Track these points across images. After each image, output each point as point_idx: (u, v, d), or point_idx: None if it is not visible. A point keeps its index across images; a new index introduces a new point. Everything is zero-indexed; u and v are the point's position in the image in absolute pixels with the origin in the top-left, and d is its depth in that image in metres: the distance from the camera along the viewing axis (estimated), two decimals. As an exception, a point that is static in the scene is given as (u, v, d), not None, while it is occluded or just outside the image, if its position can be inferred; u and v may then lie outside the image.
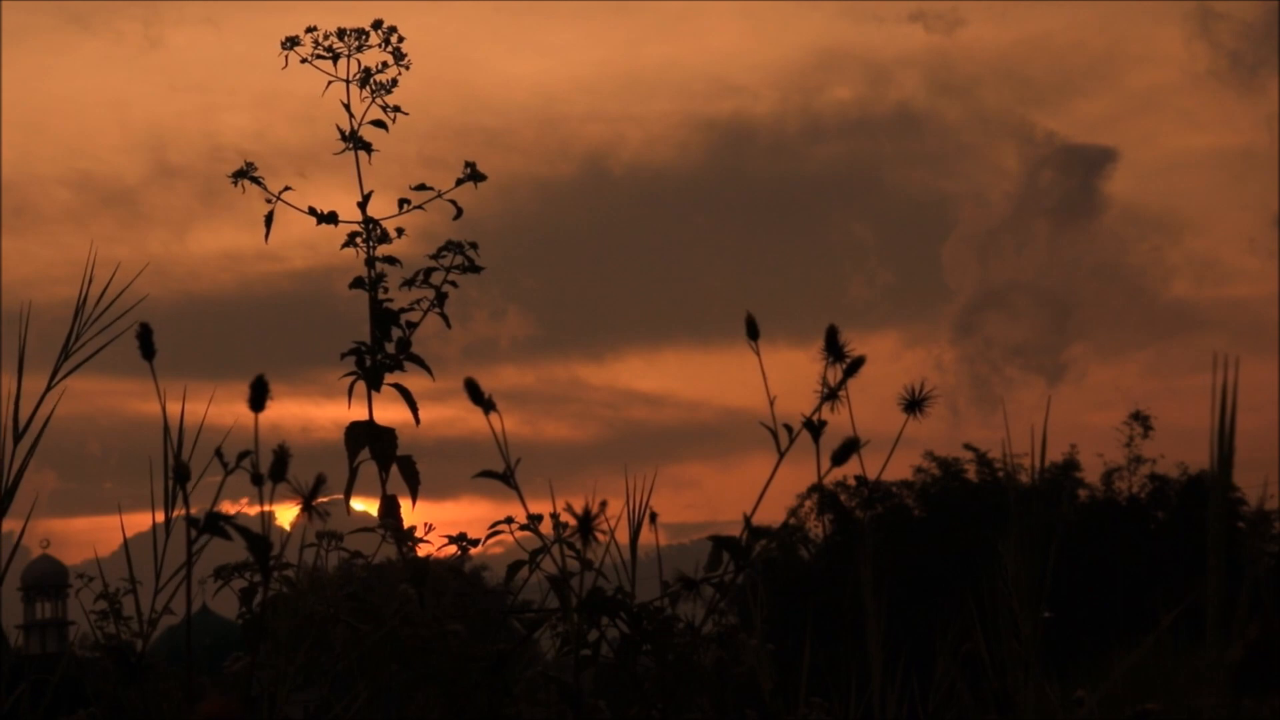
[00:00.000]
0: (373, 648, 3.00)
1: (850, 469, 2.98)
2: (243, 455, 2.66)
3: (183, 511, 2.71)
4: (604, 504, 2.94)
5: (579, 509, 2.91)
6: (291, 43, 3.68)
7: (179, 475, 2.70)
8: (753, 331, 3.08)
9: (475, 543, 3.33)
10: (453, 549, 3.33)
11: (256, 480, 2.62)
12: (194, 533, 2.68)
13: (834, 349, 2.97)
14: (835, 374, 2.99)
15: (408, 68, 3.70)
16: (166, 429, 2.80)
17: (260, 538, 2.68)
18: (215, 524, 2.71)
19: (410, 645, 3.01)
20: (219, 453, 2.68)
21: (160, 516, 2.81)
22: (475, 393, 3.04)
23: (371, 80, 3.69)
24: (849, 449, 2.95)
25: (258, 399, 2.64)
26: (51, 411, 2.92)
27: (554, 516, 3.11)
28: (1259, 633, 2.05)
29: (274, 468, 2.61)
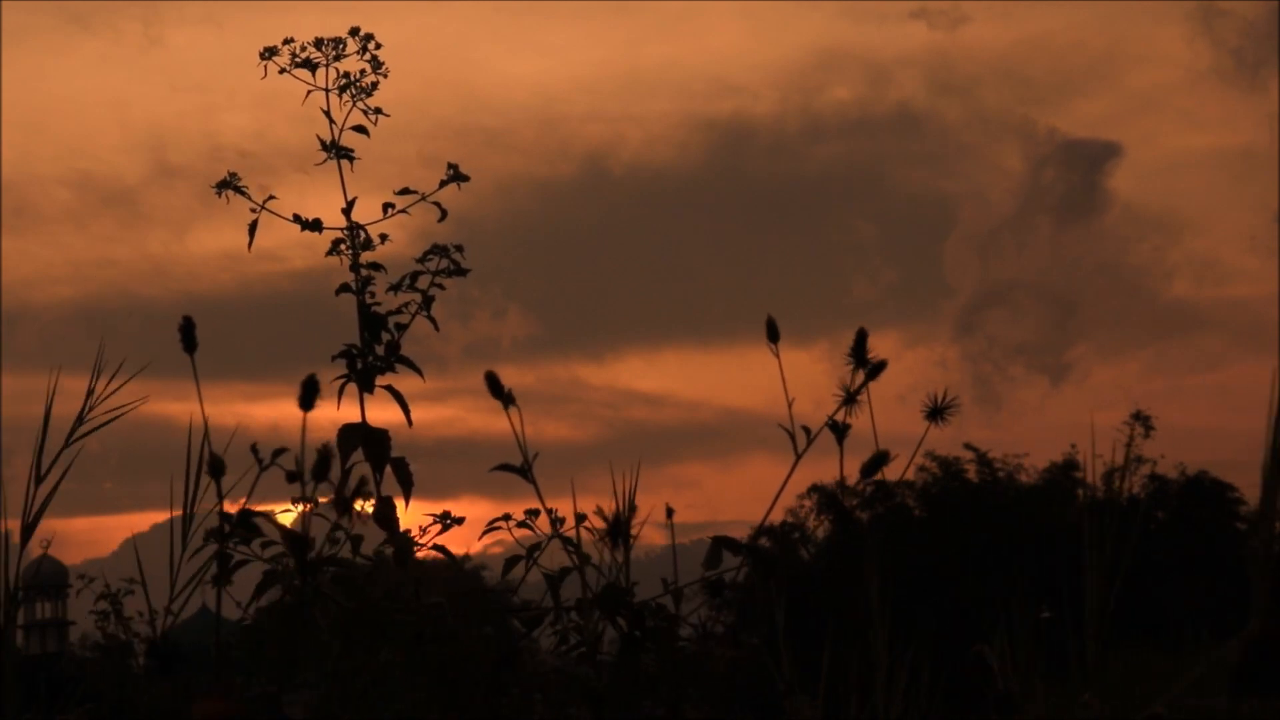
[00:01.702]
0: (359, 626, 3.00)
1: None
2: (277, 453, 2.68)
3: (173, 512, 2.71)
4: (634, 508, 2.94)
5: (609, 512, 2.92)
6: (270, 53, 3.69)
7: (214, 470, 2.71)
8: (773, 334, 3.07)
9: (459, 520, 3.34)
10: (436, 526, 3.35)
11: (293, 478, 2.64)
12: (226, 528, 2.70)
13: (861, 355, 2.97)
14: (856, 377, 2.98)
15: (385, 75, 3.71)
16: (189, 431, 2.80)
17: (298, 536, 2.69)
18: (247, 521, 2.72)
19: (400, 627, 3.02)
20: (255, 449, 2.70)
21: (143, 516, 2.83)
22: (495, 386, 3.04)
23: (351, 86, 3.69)
24: (878, 462, 2.95)
25: (308, 398, 2.65)
26: (69, 465, 3.02)
27: (551, 513, 3.11)
28: (1259, 632, 2.05)
29: (317, 466, 2.63)
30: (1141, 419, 41.99)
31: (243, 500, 2.81)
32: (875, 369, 2.98)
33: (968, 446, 41.34)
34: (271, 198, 3.69)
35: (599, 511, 2.95)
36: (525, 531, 3.22)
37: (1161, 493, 41.60)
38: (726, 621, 3.07)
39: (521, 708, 3.05)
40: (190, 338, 2.84)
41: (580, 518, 3.05)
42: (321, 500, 2.69)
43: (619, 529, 2.91)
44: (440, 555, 3.36)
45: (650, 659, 2.98)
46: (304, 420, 2.64)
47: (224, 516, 2.70)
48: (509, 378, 3.08)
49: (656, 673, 2.97)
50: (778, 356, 3.05)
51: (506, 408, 3.03)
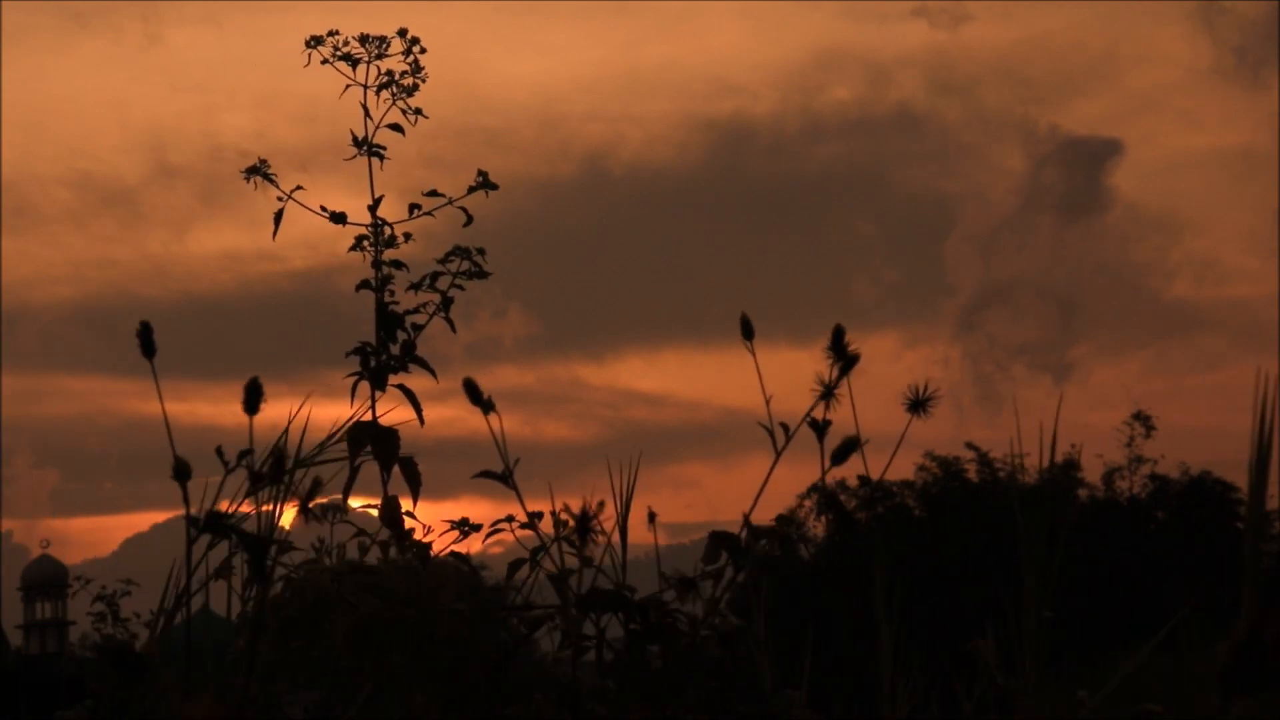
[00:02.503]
0: (376, 629, 3.01)
1: (854, 468, 2.99)
2: (242, 455, 2.66)
3: (173, 512, 2.71)
4: (601, 504, 2.94)
5: (576, 509, 2.92)
6: (315, 41, 3.71)
7: (179, 473, 2.70)
8: (747, 331, 3.09)
9: (477, 528, 3.35)
10: (454, 534, 3.35)
11: (254, 480, 2.62)
12: (194, 532, 2.68)
13: (839, 349, 2.97)
14: (836, 373, 2.99)
15: (424, 80, 3.74)
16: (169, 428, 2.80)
17: (255, 538, 2.68)
18: (216, 523, 2.71)
19: (414, 629, 3.02)
20: (219, 451, 2.68)
21: (141, 516, 2.83)
22: (474, 393, 3.04)
23: (395, 84, 3.72)
24: (848, 449, 2.95)
25: (251, 401, 2.64)
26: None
27: (554, 515, 3.11)
28: (1249, 629, 2.05)
29: (272, 470, 2.61)
30: (1142, 419, 42.02)
31: (246, 503, 2.81)
32: (849, 363, 2.98)
33: (969, 446, 41.35)
34: (299, 188, 3.70)
35: (566, 509, 2.95)
36: (527, 533, 3.22)
37: (1162, 493, 41.61)
38: (728, 623, 3.07)
39: (521, 708, 3.05)
40: (149, 343, 2.83)
41: (583, 520, 3.06)
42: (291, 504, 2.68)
43: (584, 527, 2.92)
44: (442, 543, 3.37)
45: (654, 655, 2.99)
46: (250, 423, 2.64)
47: (190, 520, 2.70)
48: (509, 378, 3.10)
49: (658, 669, 2.97)
50: (753, 354, 3.06)
51: (486, 414, 3.03)
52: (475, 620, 3.09)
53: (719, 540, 3.04)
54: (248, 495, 2.69)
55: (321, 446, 2.85)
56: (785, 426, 3.01)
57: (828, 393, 2.96)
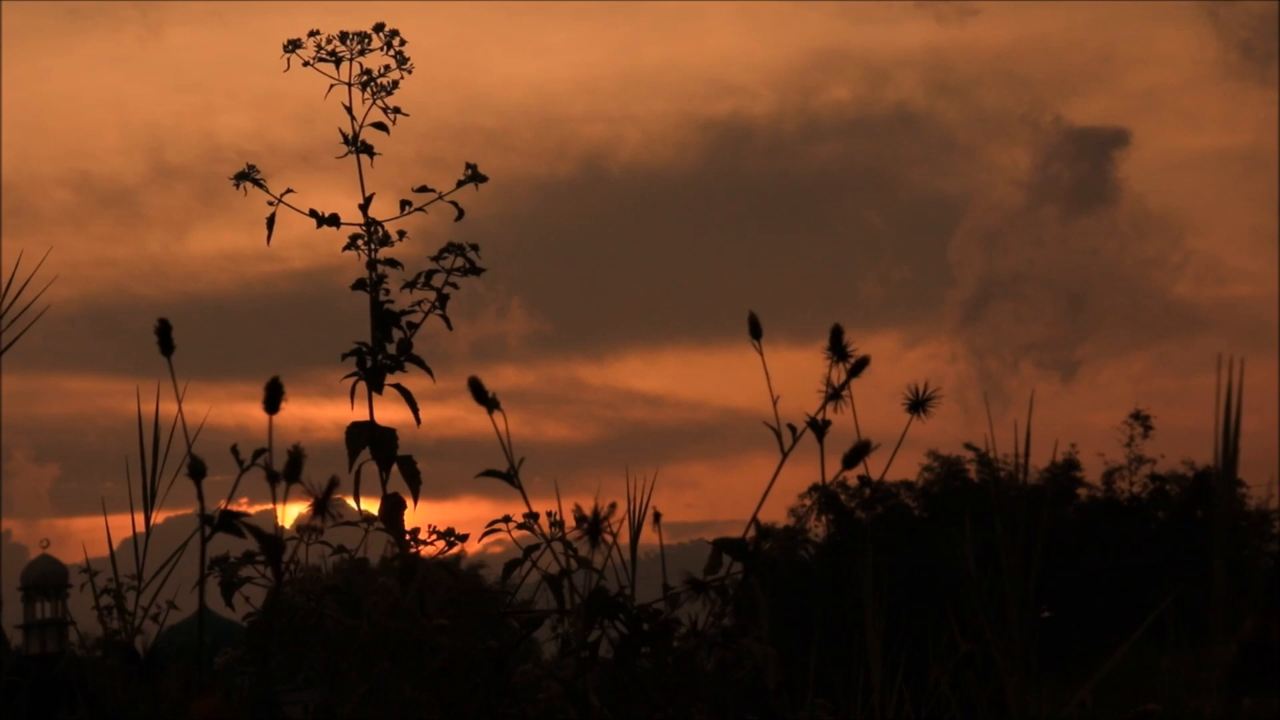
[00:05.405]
0: (361, 642, 3.00)
1: (856, 468, 2.97)
2: (258, 453, 2.66)
3: (172, 512, 2.71)
4: (613, 506, 2.93)
5: (588, 511, 2.90)
6: (294, 45, 3.68)
7: (194, 471, 2.70)
8: (755, 330, 3.07)
9: (464, 538, 3.33)
10: (441, 544, 3.34)
11: (271, 479, 2.62)
12: (208, 530, 2.69)
13: (838, 349, 2.96)
14: (839, 373, 2.98)
15: (410, 71, 3.71)
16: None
17: (273, 538, 2.68)
18: (229, 522, 2.71)
19: (397, 640, 3.02)
20: (235, 450, 2.68)
21: (141, 515, 2.82)
22: (479, 392, 3.03)
23: (373, 83, 3.69)
24: (859, 453, 2.93)
25: (272, 400, 2.64)
26: None
27: (550, 515, 3.10)
28: (1254, 630, 2.05)
29: (289, 468, 2.61)
30: (1140, 419, 41.99)
31: (243, 502, 2.81)
32: (858, 365, 2.97)
33: (969, 446, 41.32)
34: (289, 191, 3.69)
35: (577, 510, 2.94)
36: (524, 532, 3.21)
37: (1162, 493, 41.57)
38: (728, 624, 3.06)
39: (525, 708, 3.05)
40: (167, 340, 2.83)
41: (583, 519, 3.05)
42: (301, 504, 2.68)
43: (595, 528, 2.91)
44: (431, 552, 3.36)
45: (645, 661, 2.98)
46: (270, 422, 2.64)
47: (204, 518, 2.70)
48: (508, 378, 3.09)
49: (656, 677, 2.96)
50: (761, 353, 3.05)
51: (490, 413, 3.02)
52: (460, 629, 3.08)
53: (722, 547, 3.03)
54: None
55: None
56: (793, 428, 3.00)
57: (835, 394, 2.95)
